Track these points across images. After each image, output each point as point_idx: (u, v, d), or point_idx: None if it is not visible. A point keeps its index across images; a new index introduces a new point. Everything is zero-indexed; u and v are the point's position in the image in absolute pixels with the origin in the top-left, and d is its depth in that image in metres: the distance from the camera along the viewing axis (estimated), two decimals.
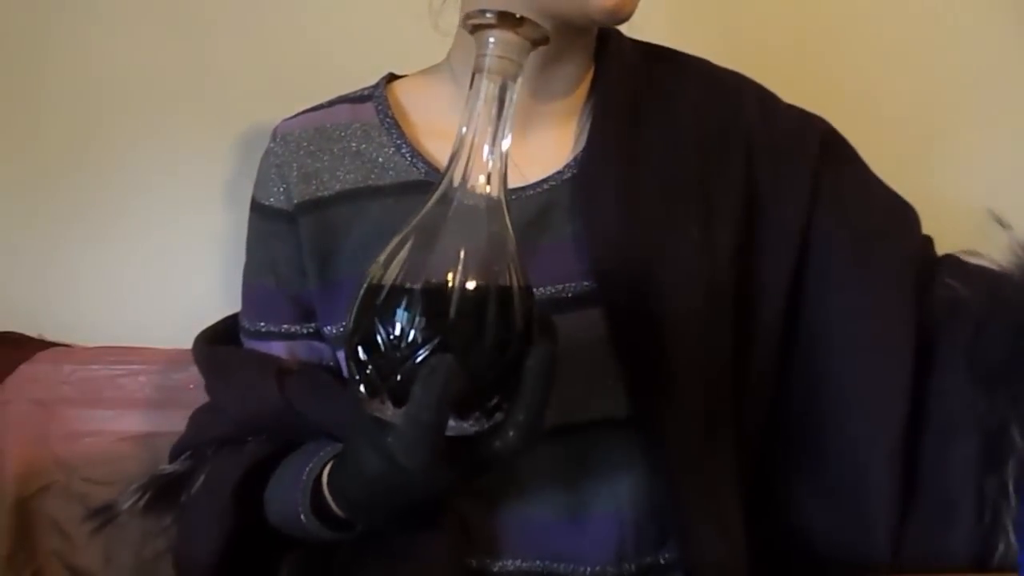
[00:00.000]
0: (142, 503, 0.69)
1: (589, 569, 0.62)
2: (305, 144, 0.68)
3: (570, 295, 0.62)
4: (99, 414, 0.88)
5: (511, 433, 0.44)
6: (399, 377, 0.42)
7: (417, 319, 0.42)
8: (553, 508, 0.62)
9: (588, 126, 0.66)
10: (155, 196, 0.98)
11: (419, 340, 0.41)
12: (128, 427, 0.88)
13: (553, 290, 0.62)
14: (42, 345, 0.92)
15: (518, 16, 0.44)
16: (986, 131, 1.04)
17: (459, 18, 0.64)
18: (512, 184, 0.65)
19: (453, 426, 0.43)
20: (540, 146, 0.67)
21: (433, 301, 0.42)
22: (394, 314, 0.42)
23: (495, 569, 0.62)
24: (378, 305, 0.43)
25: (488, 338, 0.42)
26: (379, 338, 0.42)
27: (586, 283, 0.62)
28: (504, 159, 0.46)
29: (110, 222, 0.98)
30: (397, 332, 0.42)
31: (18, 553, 0.86)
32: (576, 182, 0.65)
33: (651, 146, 0.66)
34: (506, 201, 0.46)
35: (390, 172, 0.66)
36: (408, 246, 0.44)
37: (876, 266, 0.67)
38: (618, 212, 0.63)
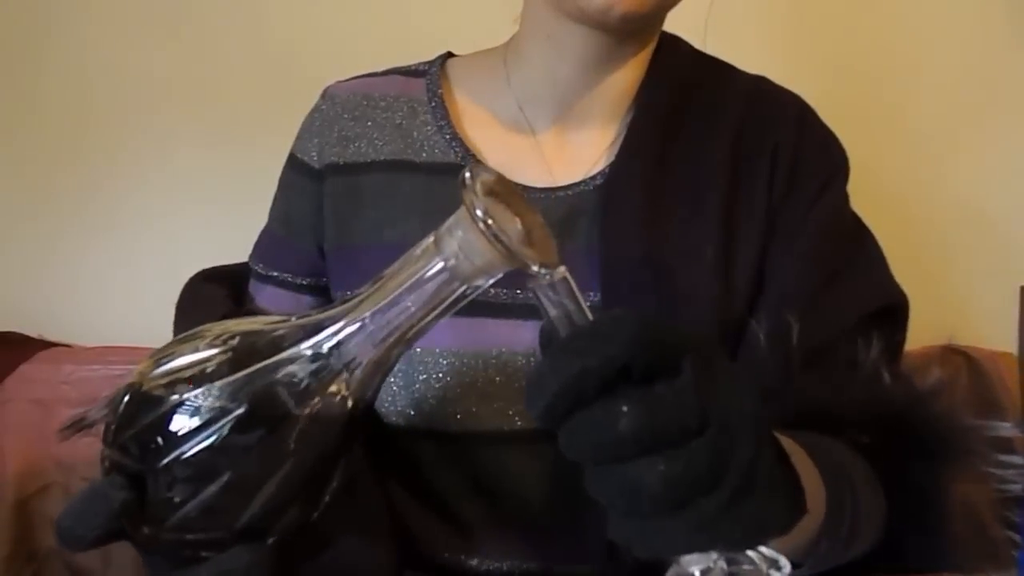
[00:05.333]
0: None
1: (587, 569, 0.62)
2: (351, 108, 0.69)
3: None
4: None
5: None
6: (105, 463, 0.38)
7: (126, 431, 0.37)
8: (551, 508, 0.62)
9: (624, 137, 0.66)
10: (154, 196, 0.98)
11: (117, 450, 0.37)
12: None
13: None
14: (42, 345, 0.92)
15: (494, 231, 0.32)
16: (988, 133, 1.04)
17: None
18: (541, 183, 0.65)
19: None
20: (575, 148, 0.66)
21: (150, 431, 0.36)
22: (116, 406, 0.37)
23: (491, 568, 0.63)
24: (124, 386, 0.38)
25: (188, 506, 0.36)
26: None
27: (592, 294, 0.62)
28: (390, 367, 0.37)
29: (110, 223, 0.98)
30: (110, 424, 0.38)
31: (18, 553, 0.86)
32: (601, 193, 0.65)
33: (681, 163, 0.65)
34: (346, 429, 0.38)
35: (426, 151, 0.67)
36: (192, 355, 0.37)
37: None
38: (634, 228, 0.62)
